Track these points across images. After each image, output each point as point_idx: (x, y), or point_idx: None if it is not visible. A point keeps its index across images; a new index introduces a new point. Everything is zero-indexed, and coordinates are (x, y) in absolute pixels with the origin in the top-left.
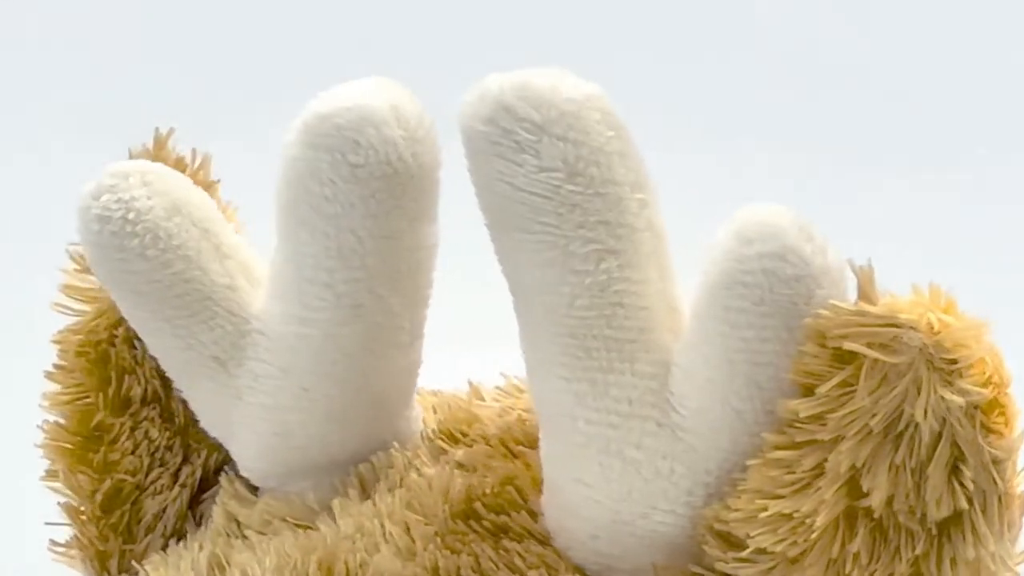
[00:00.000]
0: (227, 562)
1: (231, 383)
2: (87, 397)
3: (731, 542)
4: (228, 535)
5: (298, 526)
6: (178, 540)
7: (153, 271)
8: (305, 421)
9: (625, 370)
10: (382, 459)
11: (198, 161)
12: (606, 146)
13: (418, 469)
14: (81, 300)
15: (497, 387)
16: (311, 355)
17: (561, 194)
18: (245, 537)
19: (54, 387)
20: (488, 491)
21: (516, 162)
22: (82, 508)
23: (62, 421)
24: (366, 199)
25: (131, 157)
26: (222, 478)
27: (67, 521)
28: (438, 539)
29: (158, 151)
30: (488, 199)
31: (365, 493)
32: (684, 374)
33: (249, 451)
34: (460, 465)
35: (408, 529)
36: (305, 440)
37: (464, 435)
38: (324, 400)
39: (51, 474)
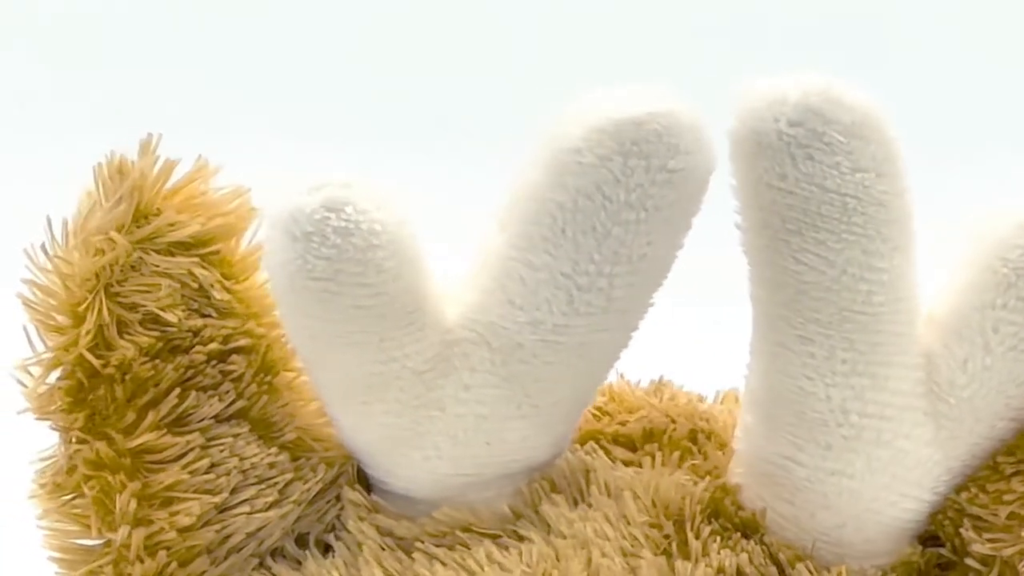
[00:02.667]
0: None
1: (428, 395)
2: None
3: (983, 524)
4: (389, 549)
5: (486, 535)
6: (274, 557)
7: (384, 283)
8: (522, 428)
9: (901, 362)
10: (572, 461)
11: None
12: (894, 144)
13: (618, 471)
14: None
15: None
16: (553, 363)
17: (871, 194)
18: (415, 551)
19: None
20: (711, 491)
21: (828, 164)
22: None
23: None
24: (672, 205)
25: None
26: (352, 494)
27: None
28: (705, 540)
29: (145, 157)
30: (782, 200)
31: (568, 498)
32: (956, 363)
33: (432, 463)
34: (659, 465)
35: (660, 531)
36: (514, 448)
37: (627, 436)
38: (548, 407)
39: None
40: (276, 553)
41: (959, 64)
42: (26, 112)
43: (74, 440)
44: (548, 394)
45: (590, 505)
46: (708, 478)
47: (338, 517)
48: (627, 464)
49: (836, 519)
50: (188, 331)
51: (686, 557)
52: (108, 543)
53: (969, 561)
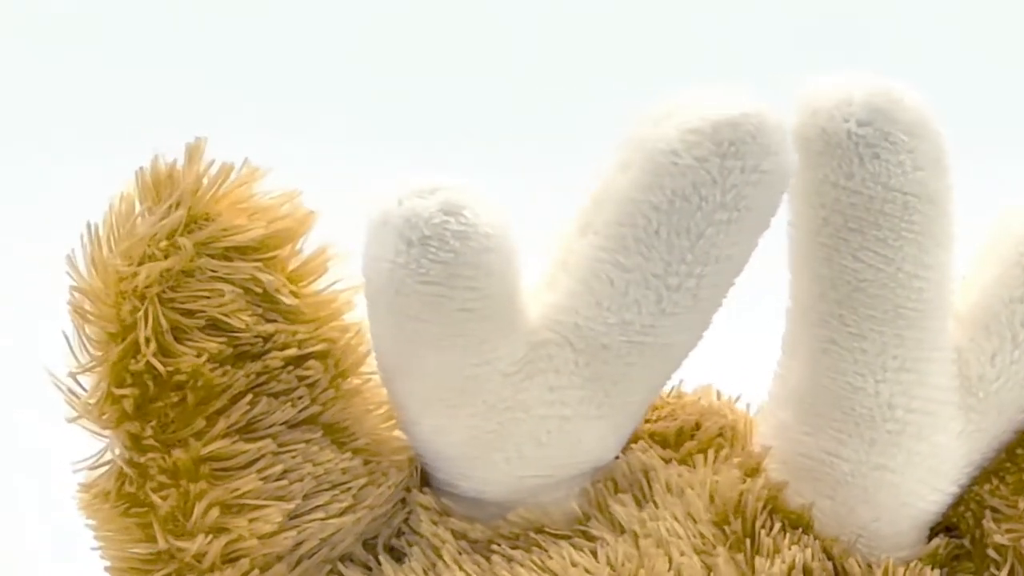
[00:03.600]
0: None
1: (515, 398)
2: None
3: (1000, 515)
4: (466, 553)
5: (559, 536)
6: (343, 562)
7: (491, 286)
8: (599, 429)
9: (941, 357)
10: (631, 460)
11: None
12: (945, 141)
13: (674, 469)
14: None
15: None
16: (635, 364)
17: (928, 191)
18: (492, 554)
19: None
20: (767, 487)
21: (893, 163)
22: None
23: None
24: (761, 205)
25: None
26: (423, 498)
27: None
28: (775, 536)
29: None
30: (847, 199)
31: (633, 497)
32: (985, 357)
33: (512, 466)
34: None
35: (726, 528)
36: (590, 448)
37: (662, 435)
38: (625, 408)
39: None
40: (345, 558)
41: (960, 63)
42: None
43: (145, 449)
44: (626, 395)
45: (656, 504)
46: (756, 474)
47: (405, 521)
48: (668, 462)
49: (873, 513)
50: (258, 336)
51: (761, 554)
52: (171, 551)
53: (990, 552)
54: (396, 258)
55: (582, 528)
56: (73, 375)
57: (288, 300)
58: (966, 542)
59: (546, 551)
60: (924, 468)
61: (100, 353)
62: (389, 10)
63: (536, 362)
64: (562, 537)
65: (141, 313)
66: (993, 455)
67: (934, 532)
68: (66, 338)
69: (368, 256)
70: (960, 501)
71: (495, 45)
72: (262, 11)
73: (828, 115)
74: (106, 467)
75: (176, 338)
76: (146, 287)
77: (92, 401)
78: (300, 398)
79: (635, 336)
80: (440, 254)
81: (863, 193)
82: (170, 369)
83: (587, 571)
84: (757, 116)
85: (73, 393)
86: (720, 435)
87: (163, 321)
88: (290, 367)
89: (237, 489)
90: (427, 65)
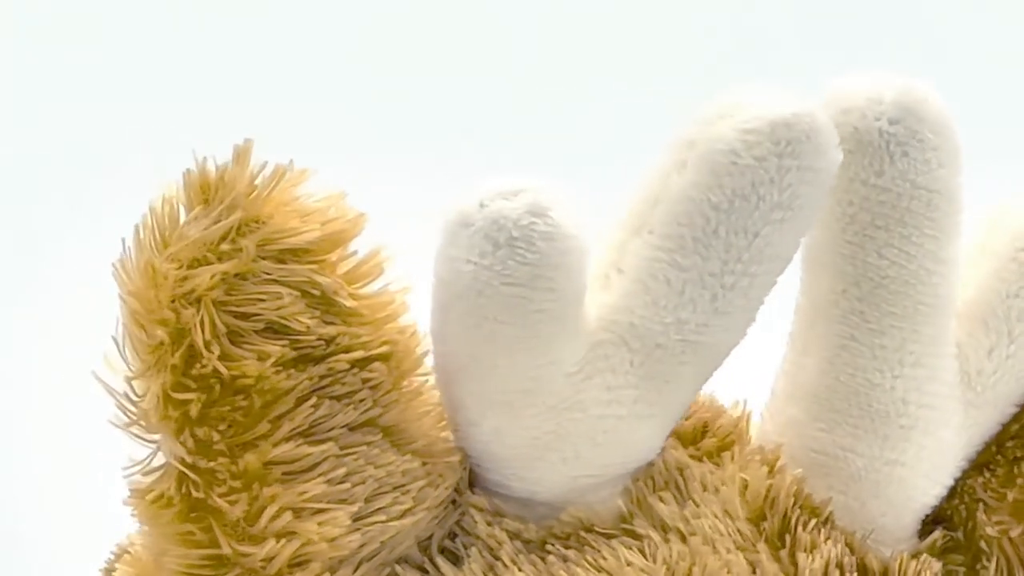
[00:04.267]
0: None
1: (574, 398)
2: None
3: (990, 507)
4: (523, 553)
5: (608, 535)
6: (399, 564)
7: (567, 287)
8: (650, 428)
9: (948, 352)
10: (666, 458)
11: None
12: (960, 139)
13: (708, 468)
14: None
15: None
16: (687, 363)
17: (948, 188)
18: (547, 555)
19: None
20: (795, 483)
21: (920, 160)
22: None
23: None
24: (812, 204)
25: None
26: (476, 499)
27: None
28: (812, 531)
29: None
30: (876, 197)
31: (674, 495)
32: (983, 352)
33: (568, 466)
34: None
35: (761, 524)
36: (639, 447)
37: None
38: (673, 407)
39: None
40: (402, 560)
41: (941, 61)
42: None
43: (215, 454)
44: (676, 394)
45: (695, 502)
46: (779, 471)
47: (458, 523)
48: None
49: (883, 508)
50: (320, 339)
51: (800, 549)
52: (235, 556)
53: (982, 544)
54: (481, 260)
55: (628, 527)
56: (128, 380)
57: (347, 302)
58: (959, 534)
59: (598, 550)
60: (930, 463)
61: (155, 358)
62: (388, 11)
63: (594, 362)
64: (610, 536)
65: (198, 317)
66: (983, 448)
67: (924, 524)
68: (116, 344)
69: (447, 258)
70: (952, 494)
71: (493, 45)
72: (263, 11)
73: (860, 114)
74: (159, 472)
75: (232, 342)
76: (203, 291)
77: (149, 407)
78: (362, 400)
79: (690, 335)
80: (527, 256)
81: (892, 191)
82: (235, 373)
83: (643, 570)
84: (809, 116)
85: (126, 399)
86: (731, 432)
87: (220, 325)
88: (355, 369)
89: (305, 492)
90: (424, 65)
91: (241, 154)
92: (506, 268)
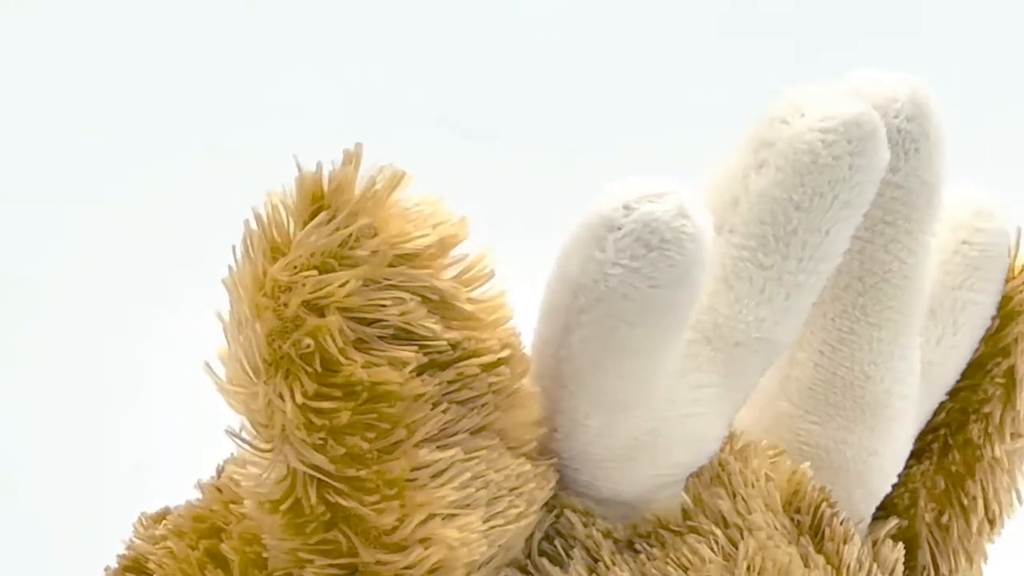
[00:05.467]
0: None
1: (670, 397)
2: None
3: (927, 494)
4: (619, 552)
5: (681, 532)
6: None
7: (697, 287)
8: (723, 426)
9: (918, 344)
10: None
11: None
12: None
13: (740, 463)
14: None
15: None
16: (758, 361)
17: (942, 182)
18: (638, 553)
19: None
20: (813, 482)
21: (926, 156)
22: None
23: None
24: (866, 203)
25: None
26: (571, 500)
27: None
28: (844, 522)
29: (351, 170)
30: (889, 193)
31: (725, 491)
32: (933, 342)
33: (658, 465)
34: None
35: (796, 517)
36: (712, 445)
37: None
38: (739, 403)
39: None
40: (511, 563)
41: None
42: None
43: (366, 462)
44: (744, 391)
45: (743, 498)
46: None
47: (553, 524)
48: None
49: (865, 497)
50: (448, 344)
51: (841, 541)
52: (376, 565)
53: (922, 531)
54: (631, 263)
55: (692, 523)
56: (250, 391)
57: (466, 306)
58: (904, 522)
59: (678, 548)
60: (900, 453)
61: (283, 368)
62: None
63: (685, 361)
64: (681, 532)
65: (328, 326)
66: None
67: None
68: (239, 352)
69: (589, 261)
70: (901, 482)
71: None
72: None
73: (880, 112)
74: (285, 482)
75: (358, 349)
76: (331, 299)
77: (281, 418)
78: (484, 405)
79: (766, 333)
80: (676, 258)
81: (904, 187)
82: (377, 380)
83: (724, 567)
84: (872, 116)
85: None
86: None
87: (348, 332)
88: (483, 374)
89: (444, 498)
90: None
91: (353, 158)
92: (655, 271)
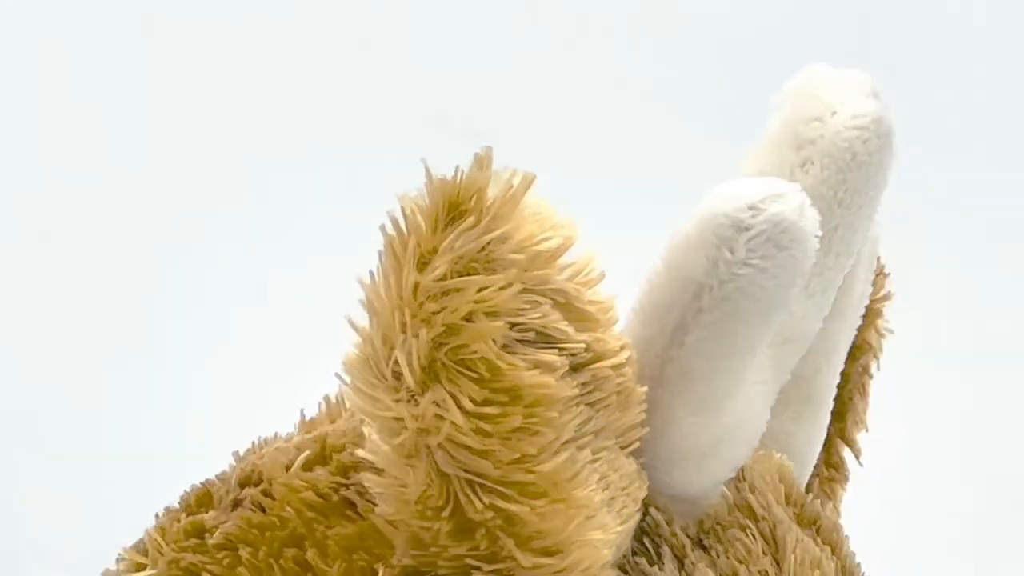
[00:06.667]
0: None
1: (745, 394)
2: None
3: None
4: (696, 550)
5: (727, 526)
6: None
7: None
8: (765, 421)
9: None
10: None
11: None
12: None
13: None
14: None
15: None
16: (797, 356)
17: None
18: (708, 550)
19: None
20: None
21: (889, 166)
22: None
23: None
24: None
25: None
26: (656, 498)
27: None
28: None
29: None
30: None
31: (747, 485)
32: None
33: (730, 461)
34: None
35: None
36: (757, 441)
37: None
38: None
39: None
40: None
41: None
42: None
43: (528, 464)
44: (779, 388)
45: (760, 491)
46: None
47: (640, 522)
48: None
49: (802, 481)
50: (583, 345)
51: (834, 531)
52: (534, 567)
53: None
54: (762, 262)
55: (732, 518)
56: (407, 395)
57: (588, 308)
58: None
59: (731, 542)
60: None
61: (443, 375)
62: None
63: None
64: (730, 527)
65: (480, 331)
66: None
67: None
68: (382, 360)
69: (716, 262)
70: None
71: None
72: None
73: (876, 123)
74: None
75: (510, 353)
76: (482, 305)
77: (442, 422)
78: (608, 406)
79: (808, 328)
80: (800, 256)
81: (872, 195)
82: (533, 383)
83: (775, 560)
84: (888, 113)
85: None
86: None
87: (498, 338)
88: (612, 375)
89: (592, 498)
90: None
91: (484, 161)
92: (783, 270)
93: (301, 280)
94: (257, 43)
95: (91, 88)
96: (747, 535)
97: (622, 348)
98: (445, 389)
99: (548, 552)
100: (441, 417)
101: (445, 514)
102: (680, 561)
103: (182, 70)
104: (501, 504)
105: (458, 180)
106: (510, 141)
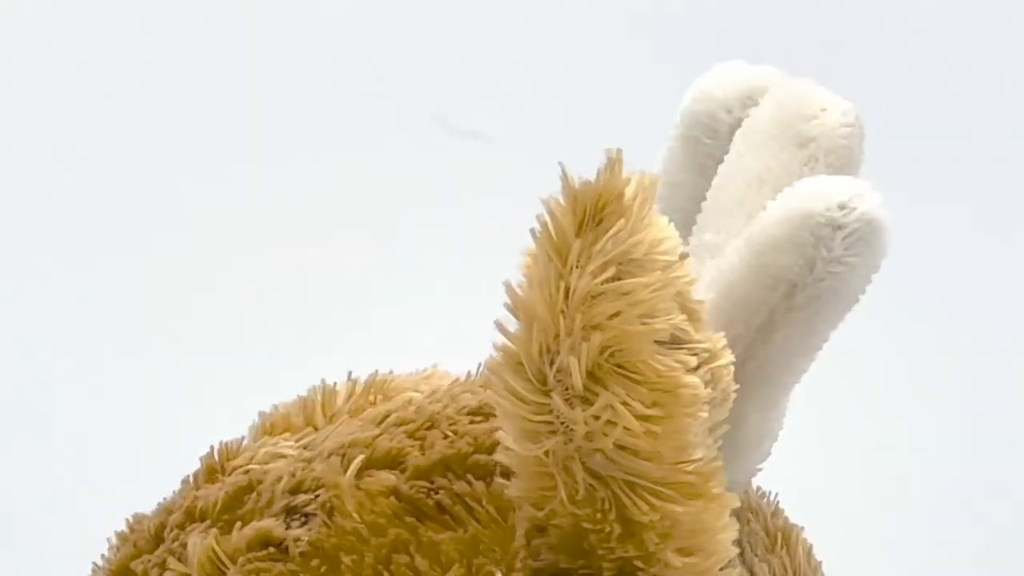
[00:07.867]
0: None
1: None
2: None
3: None
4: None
5: (747, 518)
6: None
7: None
8: None
9: None
10: None
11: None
12: None
13: None
14: None
15: None
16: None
17: None
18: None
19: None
20: None
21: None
22: None
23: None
24: None
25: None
26: None
27: None
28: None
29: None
30: None
31: None
32: None
33: (762, 455)
34: None
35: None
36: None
37: None
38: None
39: None
40: None
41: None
42: None
43: (690, 464)
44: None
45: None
46: None
47: None
48: None
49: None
50: (705, 346)
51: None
52: (684, 569)
53: None
54: (856, 259)
55: (740, 509)
56: (575, 396)
57: (698, 308)
58: None
59: (754, 533)
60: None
61: (612, 378)
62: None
63: None
64: (749, 519)
65: (647, 333)
66: None
67: None
68: (572, 366)
69: (812, 260)
70: None
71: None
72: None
73: (852, 124)
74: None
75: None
76: (636, 307)
77: (612, 426)
78: (715, 405)
79: None
80: (884, 252)
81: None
82: (684, 384)
83: (788, 554)
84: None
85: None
86: None
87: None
88: (725, 374)
89: (728, 498)
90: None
91: (614, 165)
92: (871, 268)
93: (301, 280)
94: (257, 43)
95: (91, 88)
96: (757, 522)
97: (724, 347)
98: (613, 393)
99: (692, 551)
100: (612, 422)
101: (612, 516)
102: (740, 550)
103: (182, 70)
104: (668, 506)
105: (600, 184)
106: (510, 141)
